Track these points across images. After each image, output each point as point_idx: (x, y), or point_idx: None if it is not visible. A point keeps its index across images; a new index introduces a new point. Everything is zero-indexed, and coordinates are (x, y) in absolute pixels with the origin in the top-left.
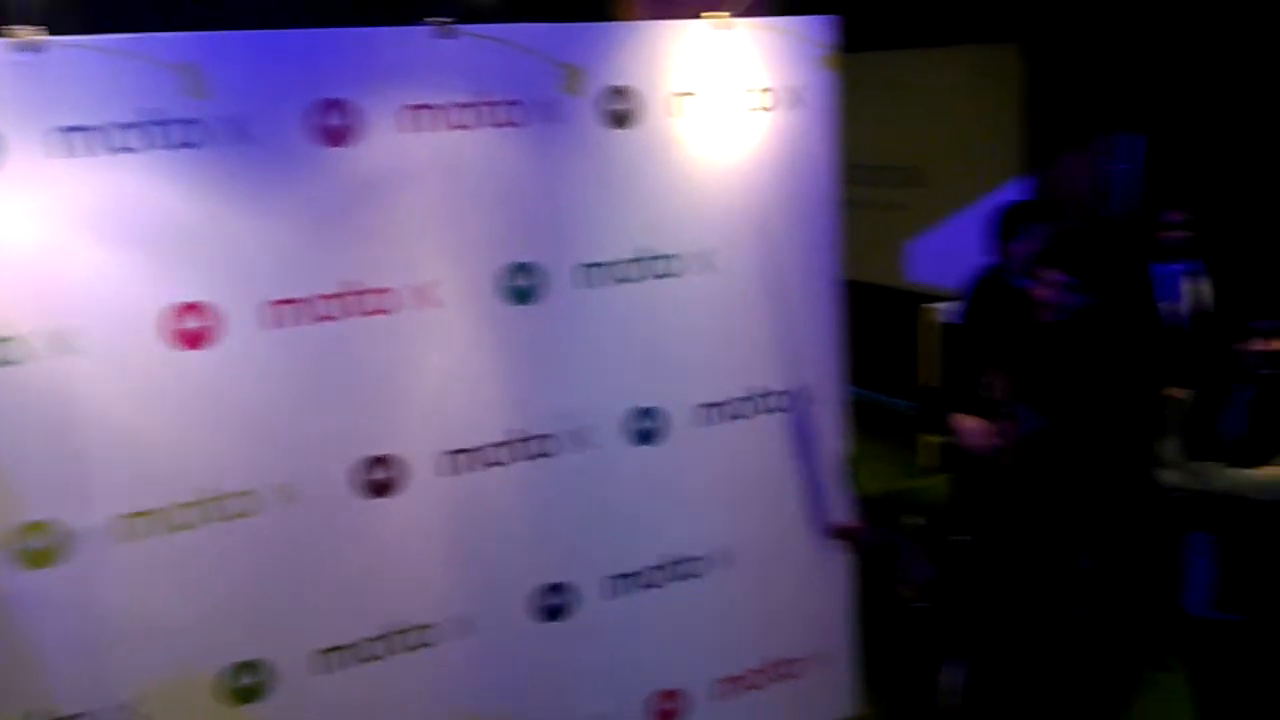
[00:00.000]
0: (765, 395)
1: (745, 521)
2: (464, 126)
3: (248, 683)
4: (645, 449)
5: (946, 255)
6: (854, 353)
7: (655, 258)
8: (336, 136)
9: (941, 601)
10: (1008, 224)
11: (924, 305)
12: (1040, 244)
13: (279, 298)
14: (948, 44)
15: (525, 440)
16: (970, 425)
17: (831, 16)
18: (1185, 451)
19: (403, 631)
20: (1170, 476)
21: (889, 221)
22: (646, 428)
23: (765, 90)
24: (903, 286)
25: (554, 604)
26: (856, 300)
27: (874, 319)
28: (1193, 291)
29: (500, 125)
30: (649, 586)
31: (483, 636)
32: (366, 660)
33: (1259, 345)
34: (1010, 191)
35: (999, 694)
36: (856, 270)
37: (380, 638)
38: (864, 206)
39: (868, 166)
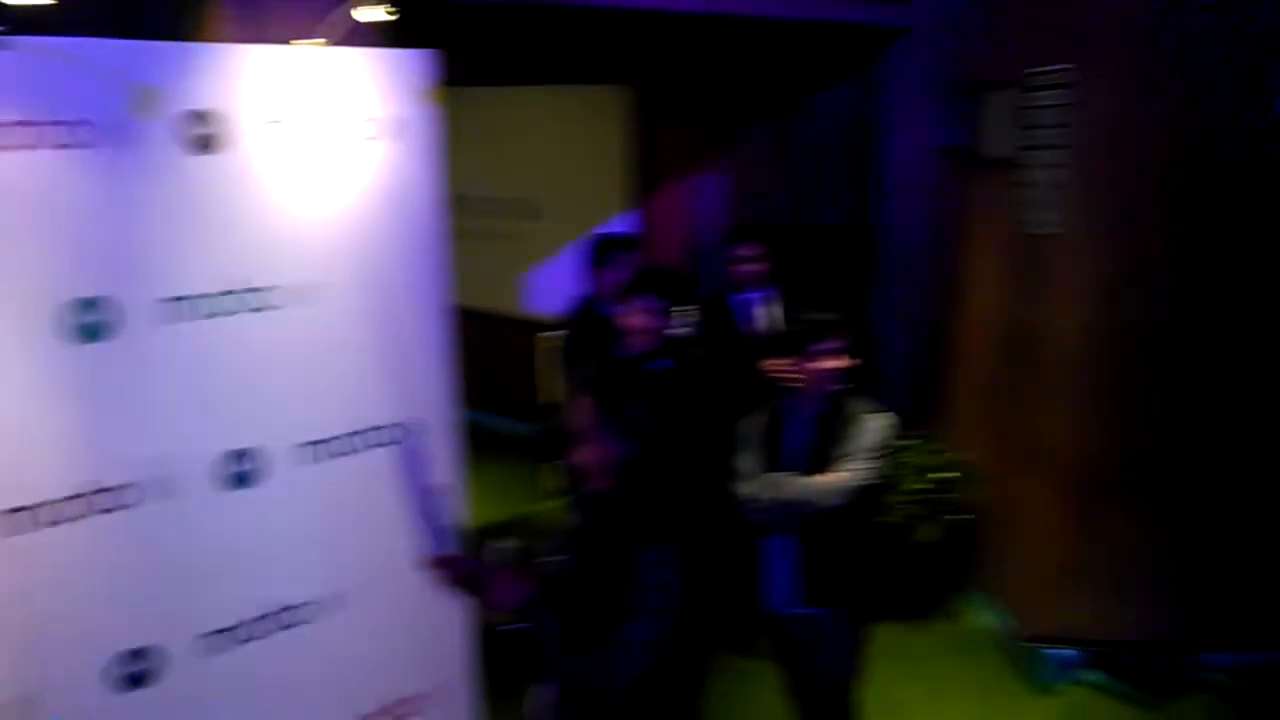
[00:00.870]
0: (373, 430)
1: (355, 561)
2: (23, 147)
3: None
4: (240, 493)
5: (560, 285)
6: (482, 381)
7: (250, 290)
8: None
9: (535, 624)
10: (599, 254)
11: (540, 333)
12: (629, 274)
13: None
14: (565, 83)
15: (98, 493)
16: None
17: (431, 51)
18: (759, 464)
19: None
20: (748, 488)
21: (511, 252)
22: (241, 470)
23: (365, 120)
24: (525, 315)
25: (136, 671)
26: (484, 329)
27: (501, 347)
28: (767, 316)
29: (64, 147)
30: (248, 640)
31: (54, 715)
32: None
33: (823, 364)
34: (617, 224)
35: (588, 713)
36: (482, 299)
37: None
38: (487, 237)
39: (491, 199)
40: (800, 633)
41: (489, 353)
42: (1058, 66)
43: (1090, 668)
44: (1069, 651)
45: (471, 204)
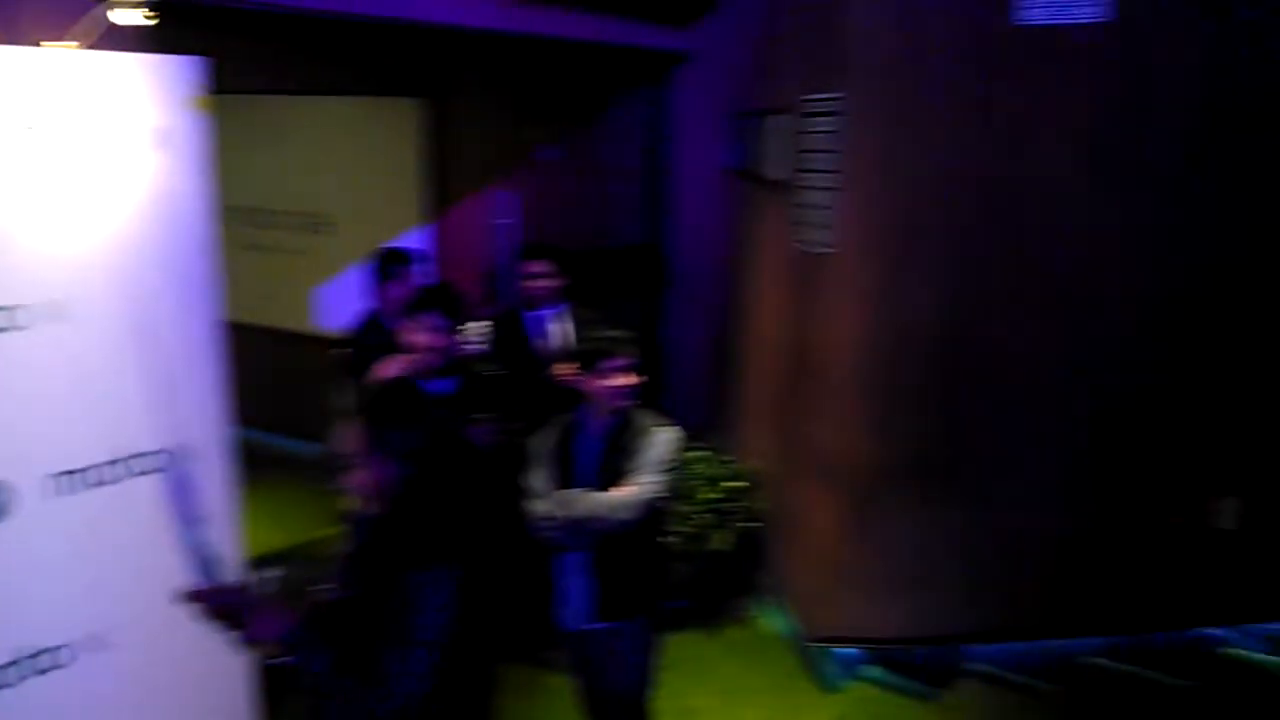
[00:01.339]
0: (136, 457)
1: (118, 599)
2: None
3: None
4: None
5: (352, 300)
6: (271, 401)
7: None
8: None
9: (300, 657)
10: (383, 268)
11: (329, 350)
12: (412, 289)
13: None
14: (362, 94)
15: None
16: (349, 475)
17: (199, 58)
18: (551, 481)
19: None
20: (539, 506)
21: (303, 267)
22: None
23: (127, 128)
24: (315, 332)
25: None
26: (273, 346)
27: (291, 364)
28: (560, 333)
29: None
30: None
31: None
32: None
33: (614, 381)
34: (411, 239)
35: None
36: (271, 316)
37: None
38: (279, 252)
39: (284, 212)
40: (595, 647)
41: (278, 371)
42: (828, 95)
43: (870, 664)
44: (851, 650)
45: (263, 217)
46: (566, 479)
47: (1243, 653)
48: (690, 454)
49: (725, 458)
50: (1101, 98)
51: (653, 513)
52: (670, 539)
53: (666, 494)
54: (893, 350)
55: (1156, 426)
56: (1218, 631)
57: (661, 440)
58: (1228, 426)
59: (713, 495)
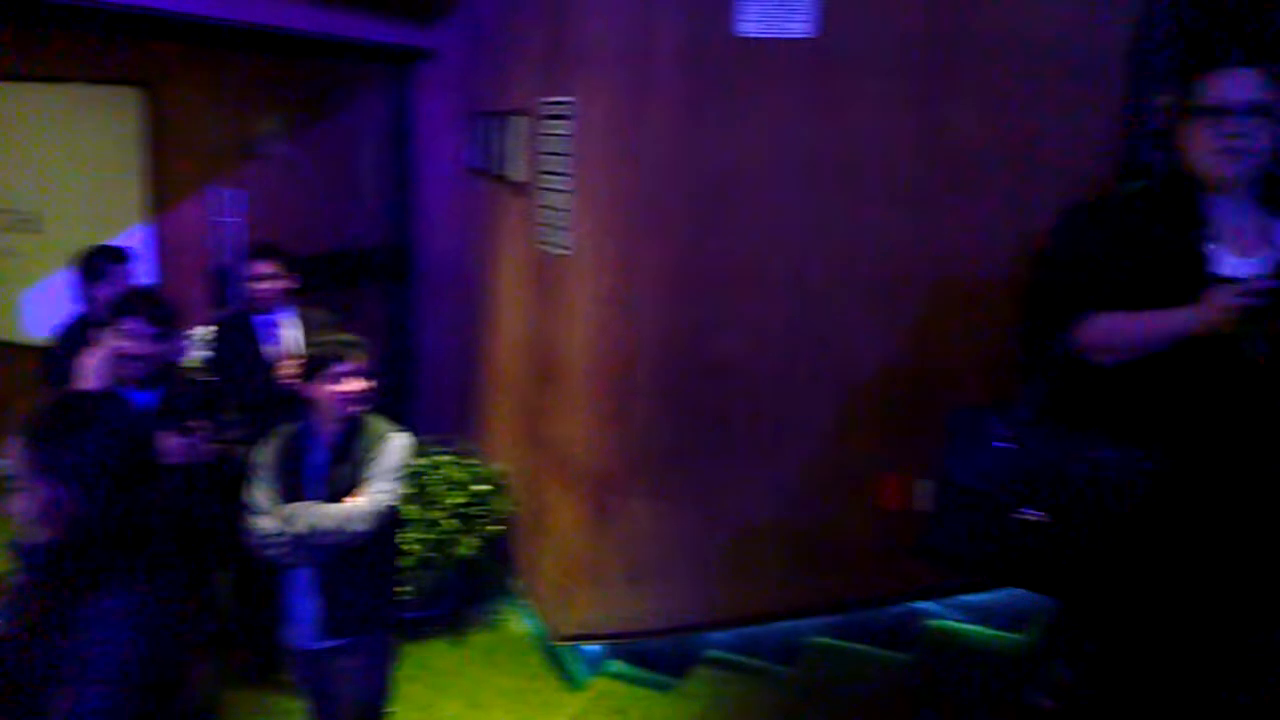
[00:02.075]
0: None
1: None
2: None
3: None
4: None
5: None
6: None
7: None
8: None
9: None
10: (89, 268)
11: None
12: (122, 289)
13: None
14: (70, 81)
15: None
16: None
17: None
18: (276, 495)
19: None
20: (264, 523)
21: (2, 270)
22: None
23: None
24: (23, 339)
25: None
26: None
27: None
28: (291, 338)
29: None
30: None
31: None
32: None
33: (344, 386)
34: (129, 237)
35: None
36: None
37: None
38: None
39: None
40: (327, 665)
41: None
42: (561, 99)
43: (614, 659)
44: (595, 646)
45: None
46: (293, 492)
47: (948, 623)
48: (437, 458)
49: (472, 461)
50: (813, 108)
51: (386, 522)
52: (414, 547)
53: (400, 502)
54: (628, 350)
55: (873, 412)
56: (926, 605)
57: (395, 446)
58: (934, 409)
59: (459, 499)
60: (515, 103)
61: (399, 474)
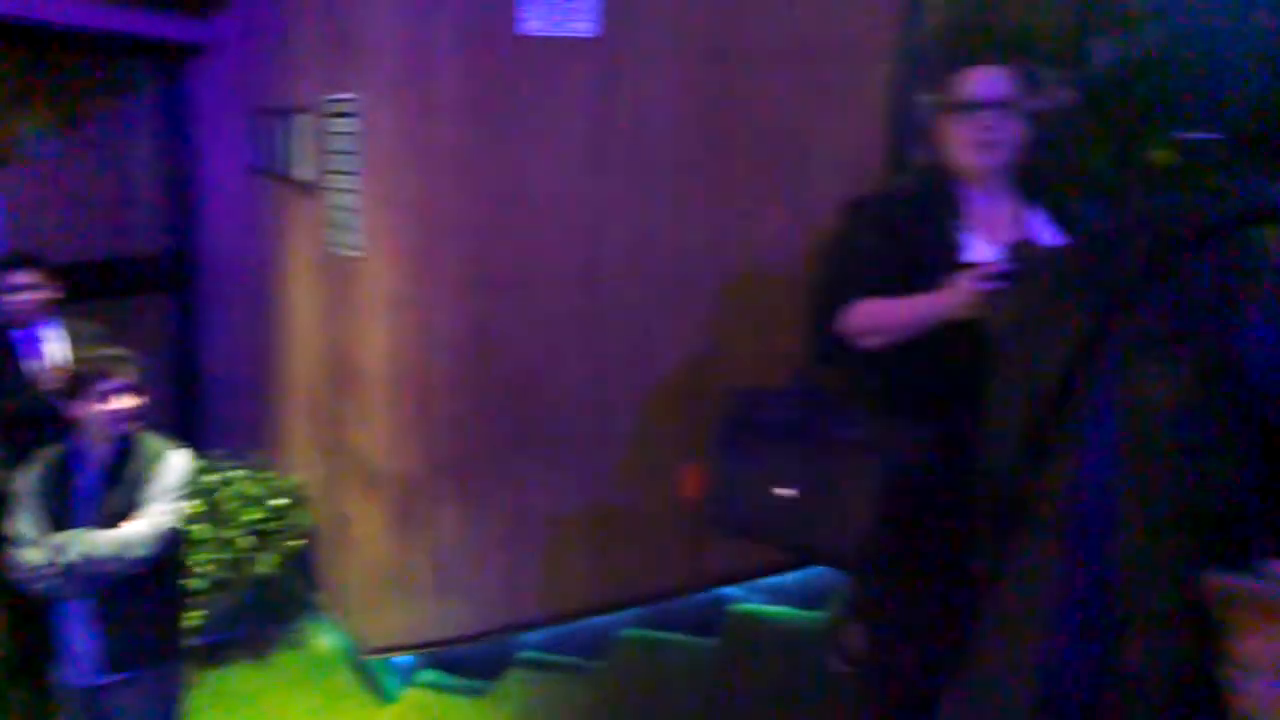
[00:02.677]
0: None
1: None
2: None
3: None
4: None
5: None
6: None
7: None
8: None
9: None
10: None
11: None
12: None
13: None
14: None
15: None
16: None
17: None
18: (42, 524)
19: None
20: (30, 555)
21: None
22: None
23: None
24: None
25: None
26: None
27: None
28: (54, 352)
29: None
30: None
31: None
32: None
33: (113, 404)
34: None
35: None
36: None
37: None
38: None
39: None
40: (108, 702)
41: None
42: (345, 96)
43: (426, 668)
44: (405, 657)
45: None
46: (62, 519)
47: (751, 606)
48: (229, 474)
49: (268, 475)
50: (599, 106)
51: (170, 545)
52: (207, 568)
53: (185, 523)
54: (426, 351)
55: (672, 402)
56: (730, 590)
57: (174, 464)
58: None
59: (256, 516)
60: (299, 99)
61: (180, 493)
